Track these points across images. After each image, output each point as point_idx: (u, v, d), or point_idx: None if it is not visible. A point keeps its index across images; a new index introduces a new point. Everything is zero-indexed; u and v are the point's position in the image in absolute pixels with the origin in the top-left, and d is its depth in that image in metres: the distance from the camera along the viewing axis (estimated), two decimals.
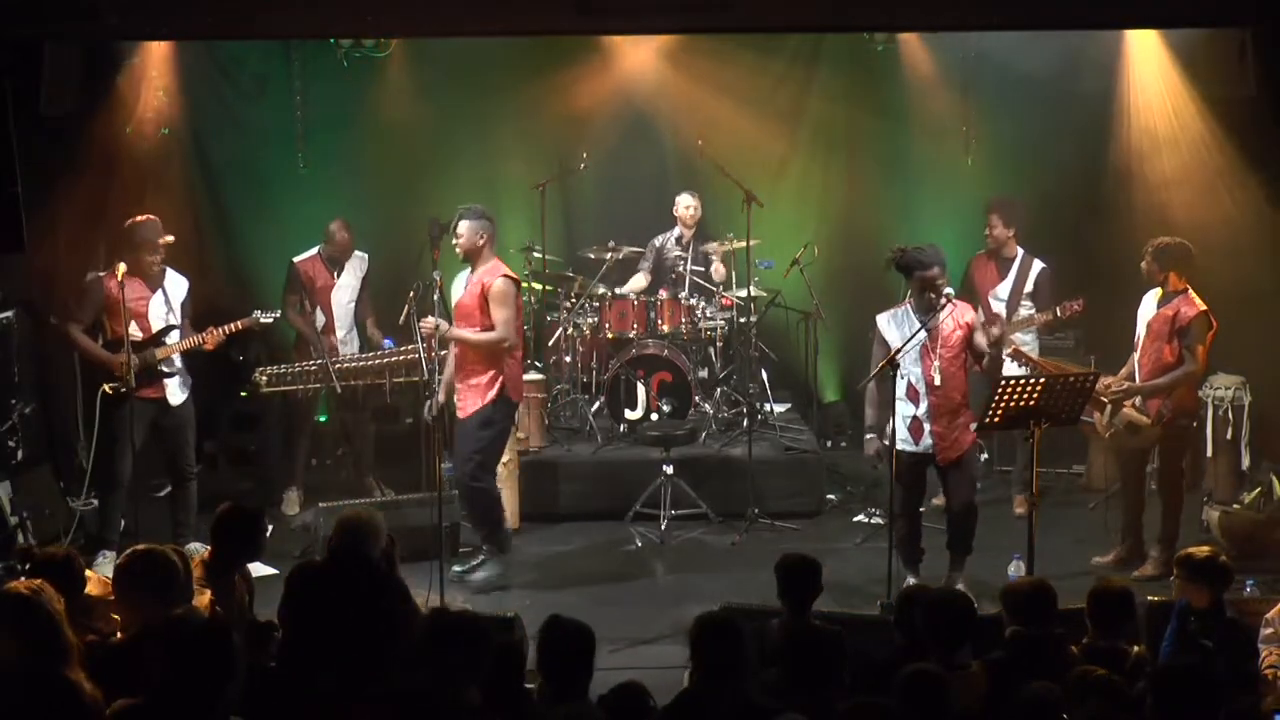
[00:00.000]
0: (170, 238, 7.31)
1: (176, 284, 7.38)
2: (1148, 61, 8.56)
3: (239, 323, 7.46)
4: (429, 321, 6.68)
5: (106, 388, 7.04)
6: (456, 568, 7.00)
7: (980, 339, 6.55)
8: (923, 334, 6.38)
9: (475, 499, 7.02)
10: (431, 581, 6.49)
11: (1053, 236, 8.69)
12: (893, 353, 6.30)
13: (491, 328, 6.75)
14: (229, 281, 9.30)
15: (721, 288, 8.94)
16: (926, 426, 6.47)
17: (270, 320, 7.59)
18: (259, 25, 7.19)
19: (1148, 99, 8.64)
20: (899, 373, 6.44)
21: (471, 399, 6.83)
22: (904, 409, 6.52)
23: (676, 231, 9.16)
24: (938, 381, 6.40)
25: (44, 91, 7.67)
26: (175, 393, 7.32)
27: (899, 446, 6.52)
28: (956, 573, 6.57)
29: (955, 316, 6.46)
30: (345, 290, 8.29)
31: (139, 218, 7.25)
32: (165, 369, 7.24)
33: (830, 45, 9.61)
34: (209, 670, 3.50)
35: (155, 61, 8.57)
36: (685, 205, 9.06)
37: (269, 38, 8.83)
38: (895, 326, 6.51)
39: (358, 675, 4.27)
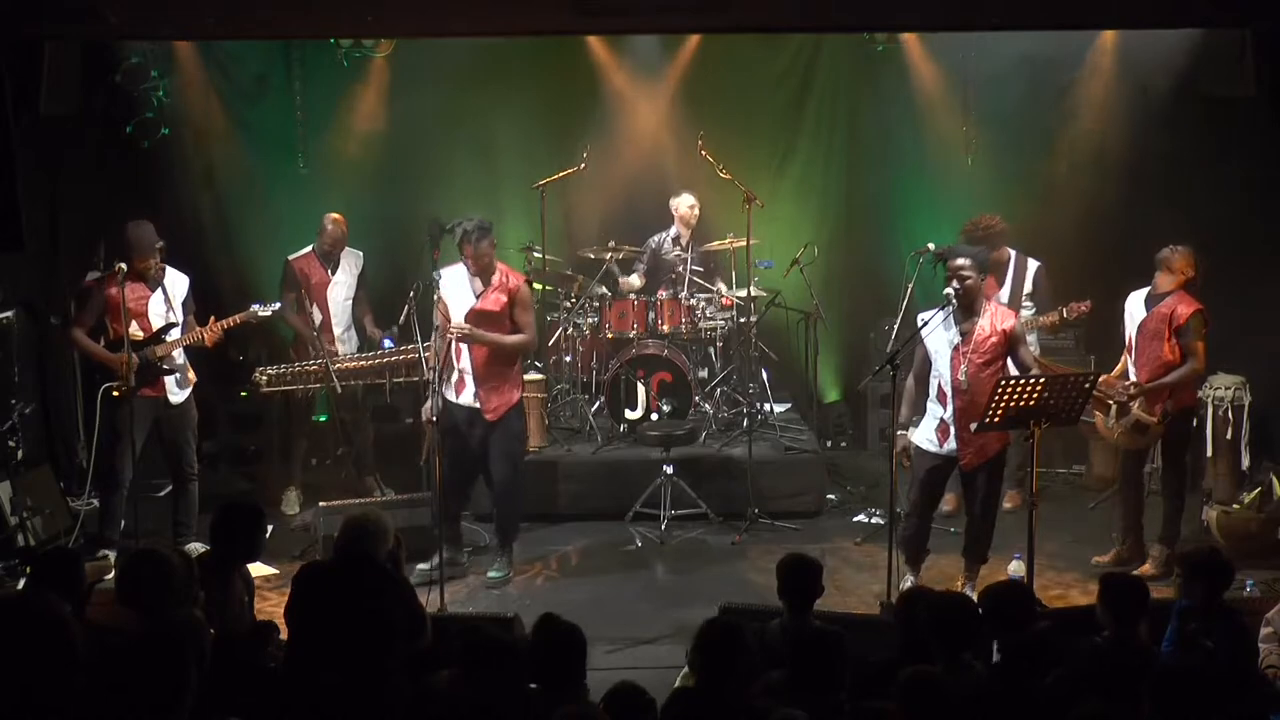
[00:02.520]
0: (161, 243, 7.22)
1: (177, 282, 7.36)
2: (1139, 62, 8.58)
3: (237, 317, 7.45)
4: (459, 325, 6.80)
5: (112, 389, 7.02)
6: (493, 574, 7.11)
7: (1026, 355, 6.41)
8: (955, 336, 6.32)
9: (518, 496, 7.22)
10: (431, 581, 6.51)
11: (1053, 236, 8.68)
12: (893, 352, 6.26)
13: (515, 331, 6.91)
14: (229, 282, 9.29)
15: (721, 288, 8.94)
16: (953, 430, 6.40)
17: (269, 313, 7.55)
18: (259, 25, 7.20)
19: (1141, 99, 8.64)
20: (931, 372, 6.43)
21: (499, 400, 6.95)
22: (934, 410, 6.47)
23: (673, 231, 9.16)
24: (964, 385, 6.32)
25: (44, 91, 7.68)
26: (176, 391, 7.30)
27: (923, 446, 6.49)
28: (970, 580, 6.54)
29: (993, 321, 6.35)
30: (341, 287, 8.29)
31: (132, 221, 7.21)
32: (166, 366, 7.22)
33: (830, 45, 9.61)
34: (153, 684, 3.50)
35: (156, 61, 8.60)
36: (689, 205, 9.05)
37: (269, 38, 8.83)
38: (930, 323, 6.38)
39: (363, 675, 4.28)
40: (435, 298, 6.91)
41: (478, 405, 6.93)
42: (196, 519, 7.31)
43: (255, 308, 7.51)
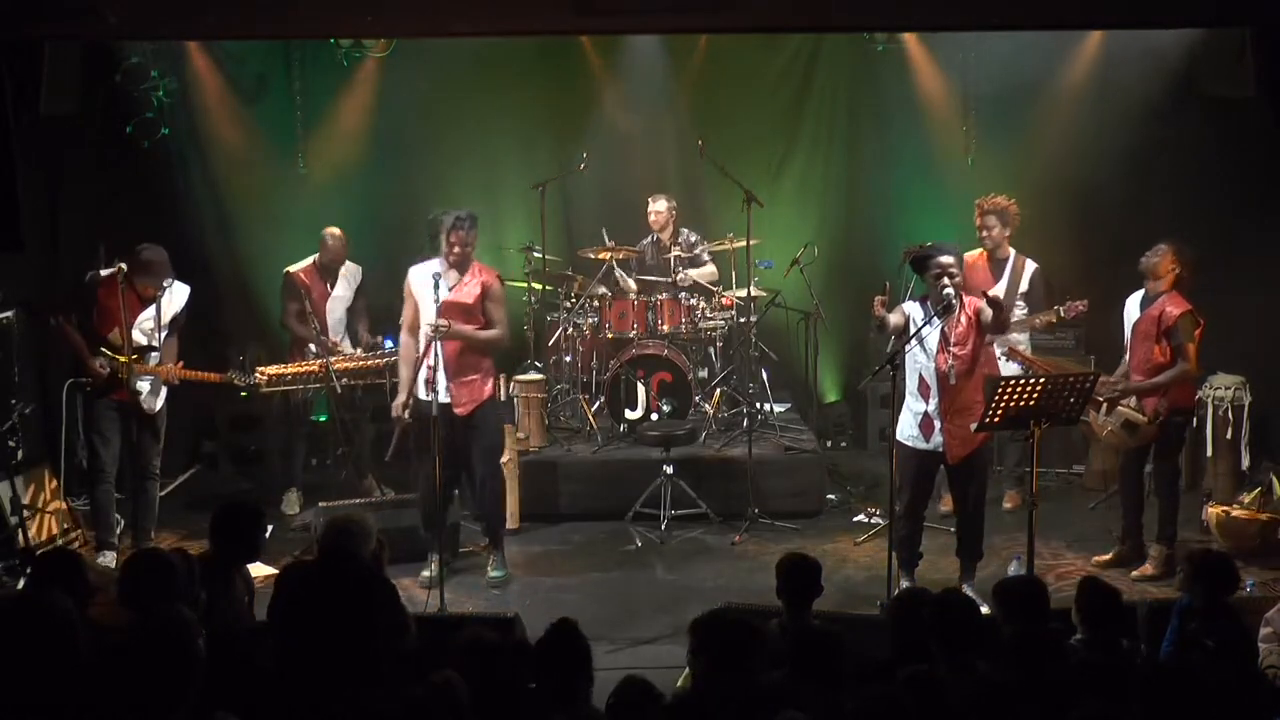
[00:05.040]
0: (171, 279, 7.11)
1: (176, 294, 7.22)
2: (1139, 62, 8.59)
3: (214, 376, 7.36)
4: (436, 322, 6.65)
5: (80, 383, 7.01)
6: (495, 573, 7.08)
7: (987, 310, 6.40)
8: (936, 330, 6.30)
9: (499, 491, 7.22)
10: (431, 582, 6.52)
11: (1052, 235, 8.69)
12: (893, 352, 6.27)
13: (487, 325, 6.86)
14: (228, 281, 9.31)
15: (716, 296, 8.92)
16: (937, 424, 6.40)
17: (243, 384, 7.44)
18: (259, 25, 7.19)
19: (1141, 99, 8.65)
20: (912, 367, 6.42)
21: (470, 395, 6.89)
22: (914, 404, 6.46)
23: (652, 236, 9.16)
24: (952, 380, 6.32)
25: (44, 91, 7.68)
26: (149, 402, 7.17)
27: (907, 444, 6.49)
28: (968, 580, 6.53)
29: (968, 312, 6.39)
30: (339, 301, 8.29)
31: (150, 245, 7.10)
32: (130, 387, 7.04)
33: (830, 45, 9.62)
34: (146, 680, 3.50)
35: (156, 60, 8.61)
36: (653, 211, 9.05)
37: (269, 38, 8.84)
38: (916, 319, 6.37)
39: (348, 675, 4.28)
40: (435, 296, 6.88)
41: (449, 401, 6.83)
42: (155, 521, 7.26)
43: (232, 374, 7.42)
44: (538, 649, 4.09)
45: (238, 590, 5.04)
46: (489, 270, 7.01)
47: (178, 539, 7.36)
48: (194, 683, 3.61)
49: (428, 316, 6.73)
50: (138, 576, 4.45)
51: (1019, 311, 7.72)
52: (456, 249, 6.80)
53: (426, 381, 6.69)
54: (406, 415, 6.88)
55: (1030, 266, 7.83)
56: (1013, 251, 7.83)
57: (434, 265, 6.89)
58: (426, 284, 6.76)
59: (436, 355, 6.68)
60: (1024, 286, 7.79)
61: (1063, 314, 7.49)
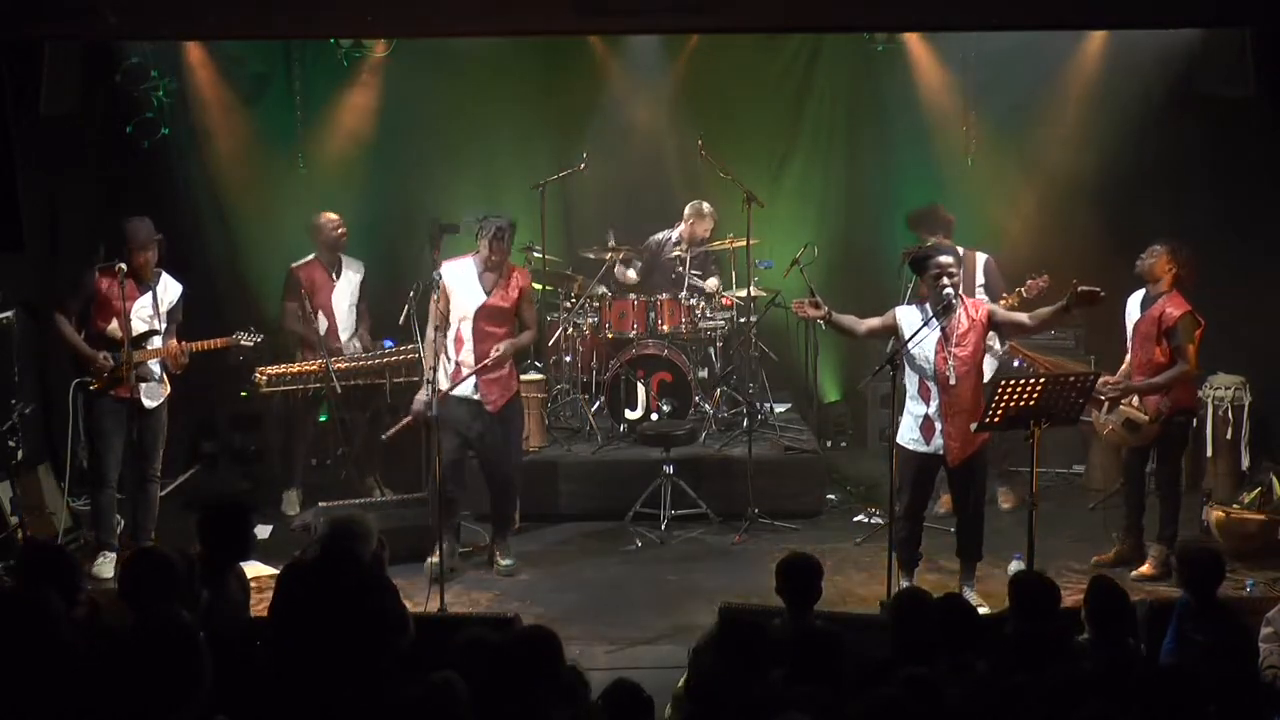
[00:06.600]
0: (160, 237, 7.09)
1: (170, 288, 7.20)
2: (1139, 62, 8.59)
3: (218, 341, 7.29)
4: (496, 354, 6.87)
5: (85, 384, 6.98)
6: (506, 562, 7.20)
7: (1007, 316, 6.45)
8: (936, 330, 6.29)
9: (518, 487, 7.35)
10: (434, 574, 6.51)
11: (1052, 235, 8.69)
12: (893, 352, 6.27)
13: (521, 324, 7.09)
14: (228, 282, 9.30)
15: (716, 295, 8.92)
16: (938, 426, 6.39)
17: (251, 344, 7.42)
18: (259, 25, 7.20)
19: (1141, 99, 8.65)
20: (912, 369, 6.42)
21: (500, 390, 7.03)
22: (915, 408, 6.45)
23: (676, 235, 9.14)
24: (952, 380, 6.32)
25: (44, 91, 7.68)
26: (150, 397, 7.12)
27: (908, 447, 6.48)
28: (969, 581, 6.53)
29: (970, 313, 6.37)
30: (345, 293, 8.27)
31: (131, 217, 7.12)
32: (139, 375, 7.02)
33: (830, 45, 9.62)
34: (145, 680, 3.50)
35: (156, 61, 8.61)
36: (705, 220, 8.97)
37: (269, 38, 8.83)
38: (911, 323, 6.35)
39: (348, 674, 4.29)
40: (435, 293, 6.88)
41: (477, 397, 6.95)
42: (155, 521, 7.22)
43: (238, 335, 7.35)
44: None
45: (233, 590, 5.02)
46: (523, 272, 7.22)
47: (177, 539, 7.34)
48: (201, 683, 3.60)
49: (464, 311, 6.91)
50: (138, 576, 4.45)
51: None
52: (494, 258, 6.95)
53: (451, 376, 6.87)
54: (432, 411, 6.74)
55: (981, 258, 7.87)
56: (960, 249, 7.69)
57: (469, 263, 6.99)
58: (464, 282, 6.94)
59: (469, 352, 6.88)
60: (980, 279, 7.81)
61: (1024, 294, 7.44)
